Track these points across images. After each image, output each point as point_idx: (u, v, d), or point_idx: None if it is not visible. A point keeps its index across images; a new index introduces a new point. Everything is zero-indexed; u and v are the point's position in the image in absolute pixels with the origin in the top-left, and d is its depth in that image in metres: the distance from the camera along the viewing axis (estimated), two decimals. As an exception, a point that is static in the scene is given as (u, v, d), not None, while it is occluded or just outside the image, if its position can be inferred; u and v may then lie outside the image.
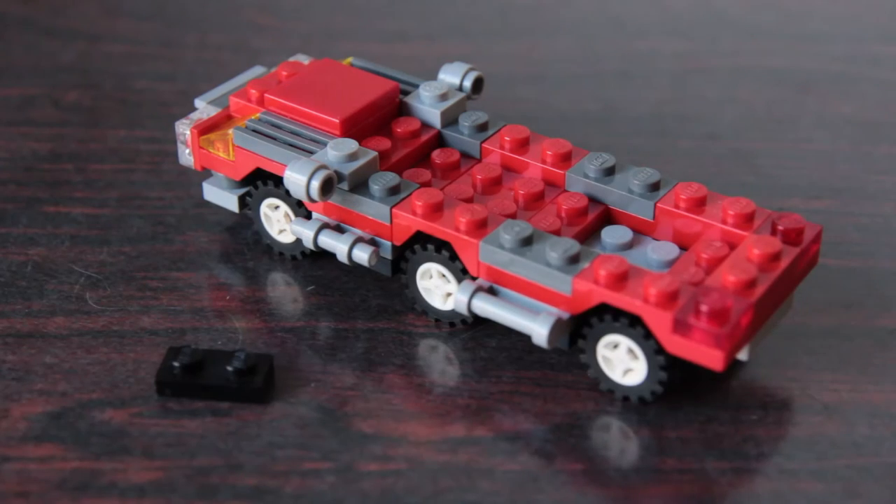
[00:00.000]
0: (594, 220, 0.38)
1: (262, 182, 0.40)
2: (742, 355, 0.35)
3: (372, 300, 0.39)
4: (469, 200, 0.38)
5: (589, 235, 0.37)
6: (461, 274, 0.37)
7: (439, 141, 0.41)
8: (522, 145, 0.40)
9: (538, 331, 0.35)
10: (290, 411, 0.35)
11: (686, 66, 0.53)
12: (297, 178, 0.37)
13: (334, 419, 0.35)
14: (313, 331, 0.38)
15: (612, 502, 0.33)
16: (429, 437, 0.34)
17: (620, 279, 0.34)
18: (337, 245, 0.38)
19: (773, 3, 0.59)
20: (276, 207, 0.40)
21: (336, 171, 0.37)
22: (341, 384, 0.36)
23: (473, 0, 0.59)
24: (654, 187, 0.37)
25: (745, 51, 0.55)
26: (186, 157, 0.41)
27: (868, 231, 0.43)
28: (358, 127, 0.40)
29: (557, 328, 0.35)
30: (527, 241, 0.35)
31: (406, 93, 0.42)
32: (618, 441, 0.34)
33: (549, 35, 0.56)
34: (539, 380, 0.36)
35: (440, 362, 0.37)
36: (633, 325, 0.34)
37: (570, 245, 0.35)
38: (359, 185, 0.38)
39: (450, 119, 0.41)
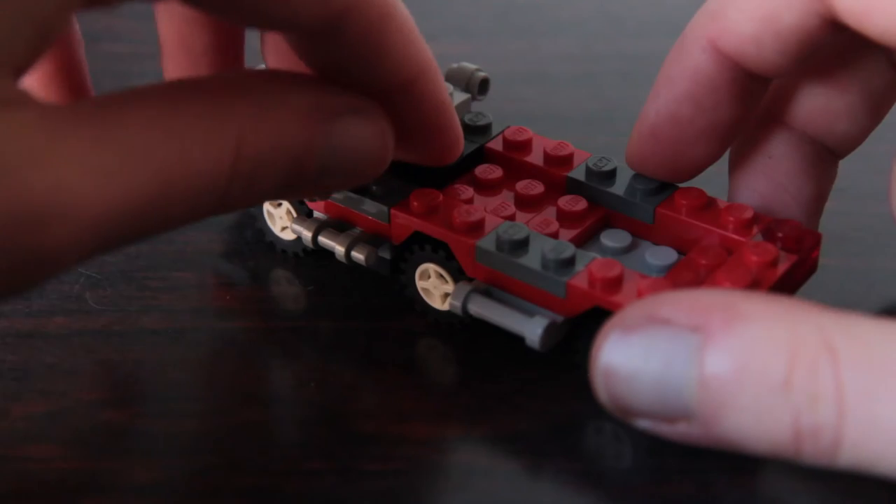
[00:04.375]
0: (593, 223, 0.38)
1: (263, 181, 0.40)
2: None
3: (372, 300, 0.39)
4: (469, 201, 0.38)
5: (588, 239, 0.37)
6: (459, 275, 0.37)
7: (440, 141, 0.41)
8: (524, 146, 0.40)
9: (531, 334, 0.35)
10: (290, 411, 0.35)
11: (686, 67, 0.53)
12: (297, 178, 0.37)
13: (334, 419, 0.35)
14: (314, 330, 0.38)
15: (611, 502, 0.33)
16: (429, 437, 0.34)
17: (615, 283, 0.34)
18: (336, 244, 0.38)
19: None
20: (279, 205, 0.40)
21: (336, 171, 0.37)
22: (341, 384, 0.36)
23: (473, 0, 0.59)
24: (655, 191, 0.37)
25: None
26: (189, 155, 0.41)
27: (868, 231, 0.43)
28: (359, 127, 0.40)
29: (551, 331, 0.35)
30: (522, 244, 0.35)
31: (408, 93, 0.42)
32: (617, 441, 0.34)
33: (548, 35, 0.56)
34: (539, 380, 0.36)
35: (440, 362, 0.37)
36: None
37: (564, 248, 0.35)
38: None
39: (454, 119, 0.41)
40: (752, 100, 0.36)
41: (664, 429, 0.30)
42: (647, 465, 0.34)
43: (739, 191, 0.38)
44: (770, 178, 0.37)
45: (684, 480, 0.33)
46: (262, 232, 0.41)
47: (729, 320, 0.29)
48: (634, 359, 0.30)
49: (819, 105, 0.37)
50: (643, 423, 0.31)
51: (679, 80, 0.36)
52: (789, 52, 0.34)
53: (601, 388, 0.31)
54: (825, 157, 0.38)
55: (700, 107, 0.36)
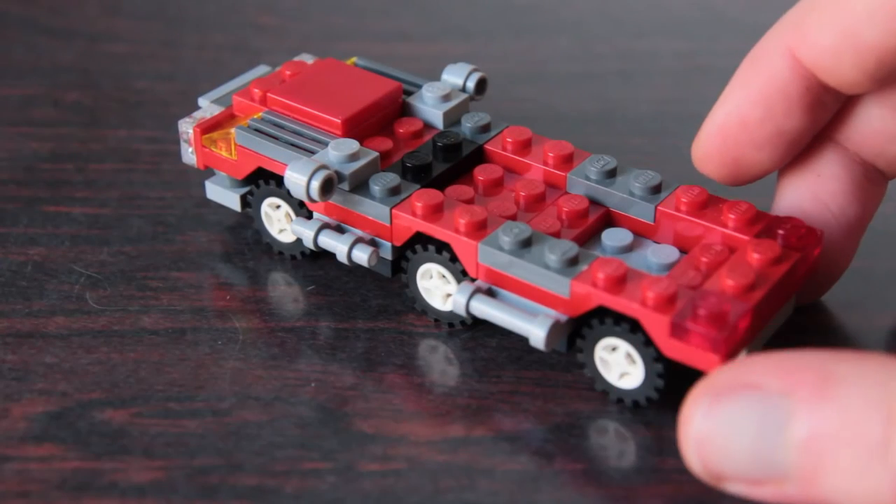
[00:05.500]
0: (595, 222, 0.38)
1: (263, 181, 0.40)
2: (741, 357, 0.35)
3: (372, 300, 0.39)
4: (470, 202, 0.38)
5: (589, 238, 0.37)
6: (461, 275, 0.37)
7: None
8: (524, 147, 0.40)
9: (535, 333, 0.35)
10: (290, 411, 0.35)
11: (686, 66, 0.53)
12: (297, 178, 0.37)
13: (334, 419, 0.35)
14: (313, 331, 0.38)
15: (612, 502, 0.33)
16: (429, 437, 0.34)
17: (618, 282, 0.34)
18: (337, 245, 0.38)
19: (773, 3, 0.59)
20: (278, 207, 0.40)
21: (337, 172, 0.37)
22: (341, 384, 0.36)
23: (473, 0, 0.59)
24: (656, 190, 0.37)
25: (745, 51, 0.54)
26: (189, 155, 0.41)
27: (868, 231, 0.43)
28: (360, 127, 0.40)
29: (555, 331, 0.35)
30: (525, 243, 0.35)
31: (409, 93, 0.42)
32: (618, 441, 0.35)
33: (548, 35, 0.56)
34: (539, 380, 0.36)
35: (440, 362, 0.37)
36: (633, 330, 0.34)
37: (568, 247, 0.35)
38: (359, 185, 0.38)
39: (452, 120, 0.41)
40: (823, 113, 0.36)
41: (758, 492, 0.30)
42: (648, 465, 0.34)
43: (784, 205, 0.37)
44: (815, 197, 0.37)
45: (684, 480, 0.33)
46: (260, 233, 0.41)
47: (821, 383, 0.29)
48: (727, 426, 0.30)
49: (875, 127, 0.37)
50: (736, 488, 0.31)
51: (753, 84, 0.35)
52: (867, 69, 0.34)
53: (693, 456, 0.31)
54: (874, 178, 0.38)
55: (771, 112, 0.35)
